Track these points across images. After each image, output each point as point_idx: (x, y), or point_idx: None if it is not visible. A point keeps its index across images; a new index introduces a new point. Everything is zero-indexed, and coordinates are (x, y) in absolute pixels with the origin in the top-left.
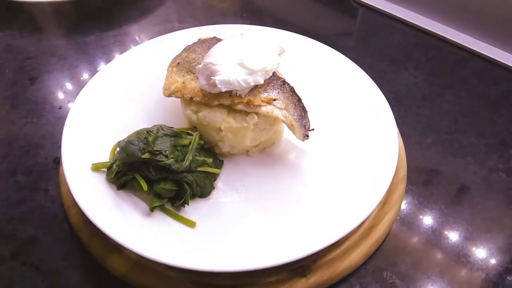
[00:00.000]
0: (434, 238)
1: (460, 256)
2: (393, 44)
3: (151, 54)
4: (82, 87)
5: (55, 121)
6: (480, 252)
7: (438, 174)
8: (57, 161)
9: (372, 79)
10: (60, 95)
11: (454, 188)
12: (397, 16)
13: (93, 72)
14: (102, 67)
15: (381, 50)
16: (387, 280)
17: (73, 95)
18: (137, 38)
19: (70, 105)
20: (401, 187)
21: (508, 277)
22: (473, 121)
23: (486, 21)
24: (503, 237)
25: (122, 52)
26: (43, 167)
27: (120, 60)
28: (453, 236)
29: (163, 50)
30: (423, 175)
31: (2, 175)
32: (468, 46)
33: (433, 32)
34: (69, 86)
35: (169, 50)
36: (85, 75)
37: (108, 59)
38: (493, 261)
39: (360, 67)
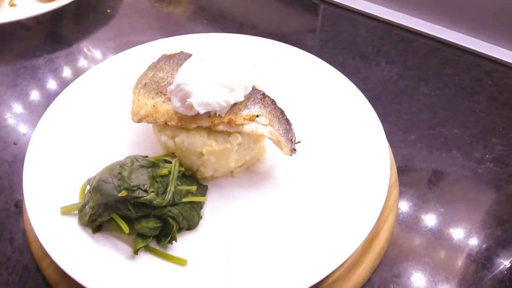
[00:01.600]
0: (436, 240)
1: (464, 257)
2: (360, 39)
3: (111, 74)
4: (38, 117)
5: (11, 159)
6: (484, 251)
7: (427, 172)
8: (19, 205)
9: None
10: (14, 129)
11: (445, 184)
12: (359, 10)
13: (48, 99)
14: (58, 93)
15: (350, 47)
16: None
17: (29, 127)
18: (91, 55)
19: (26, 139)
20: (395, 191)
21: None
22: (452, 112)
23: (451, 8)
24: (502, 230)
25: (76, 73)
26: (4, 214)
27: (78, 84)
28: (453, 236)
29: (124, 69)
30: (413, 175)
31: None
32: (436, 35)
33: (398, 24)
34: (22, 117)
35: (131, 68)
36: (40, 103)
37: (62, 83)
38: (499, 258)
39: (333, 66)
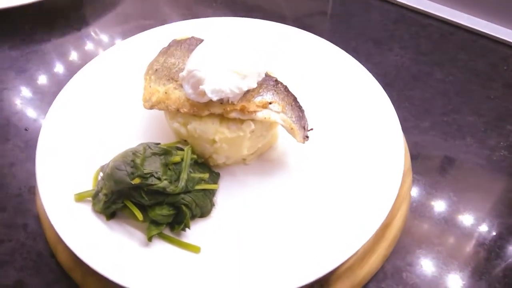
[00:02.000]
0: (449, 229)
1: (477, 246)
2: (372, 23)
3: (121, 59)
4: (48, 103)
5: (22, 145)
6: (497, 239)
7: (441, 159)
8: (33, 191)
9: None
10: (25, 115)
11: (458, 172)
12: None
13: (58, 84)
14: (68, 78)
15: (362, 31)
16: (408, 282)
17: (40, 113)
18: (100, 40)
19: (37, 125)
20: (408, 179)
21: None
22: (466, 98)
23: None
24: None
25: (85, 57)
26: (17, 199)
27: (88, 69)
28: (466, 224)
29: (134, 54)
30: (426, 162)
31: None
32: (451, 19)
33: (412, 7)
34: (33, 103)
35: (141, 53)
36: (49, 89)
37: (71, 67)
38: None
39: (345, 51)
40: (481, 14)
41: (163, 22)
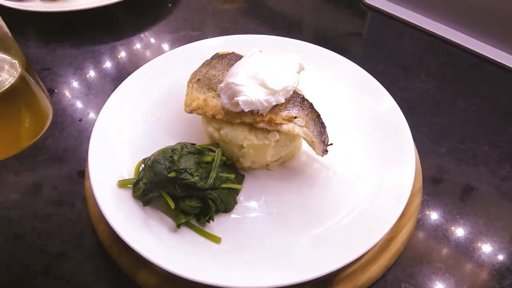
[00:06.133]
0: (451, 248)
1: (476, 266)
2: (403, 49)
3: (169, 66)
4: (101, 98)
5: (76, 134)
6: (496, 263)
7: (452, 184)
8: (81, 175)
9: (385, 87)
10: (80, 107)
11: (467, 197)
12: (406, 20)
13: (111, 83)
14: (119, 77)
15: (392, 56)
16: None
17: (92, 107)
18: (150, 46)
19: (90, 117)
20: (418, 198)
21: None
22: (485, 128)
23: (498, 26)
24: None
25: (136, 61)
26: (67, 181)
27: (140, 73)
28: (468, 246)
29: (181, 62)
30: (438, 185)
31: (29, 189)
32: (479, 51)
33: (443, 37)
34: (87, 97)
35: (186, 63)
36: (103, 86)
37: (124, 69)
38: (509, 274)
39: (373, 74)
40: (508, 48)
41: (208, 33)
